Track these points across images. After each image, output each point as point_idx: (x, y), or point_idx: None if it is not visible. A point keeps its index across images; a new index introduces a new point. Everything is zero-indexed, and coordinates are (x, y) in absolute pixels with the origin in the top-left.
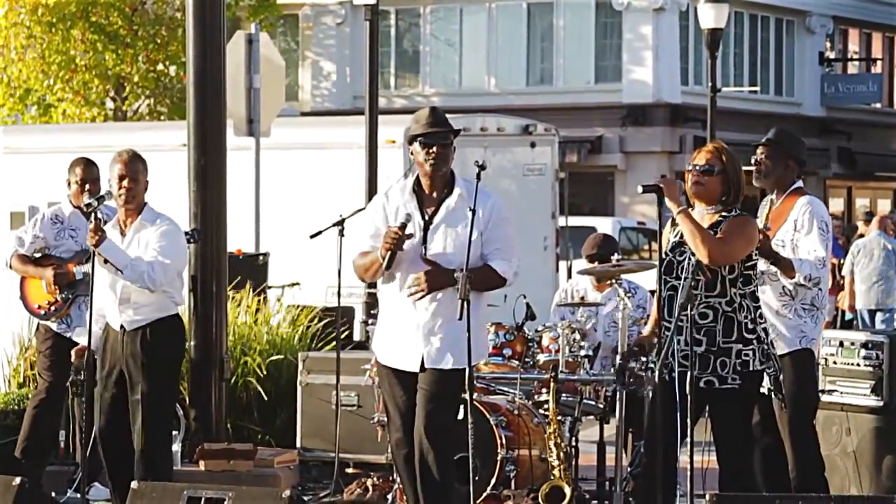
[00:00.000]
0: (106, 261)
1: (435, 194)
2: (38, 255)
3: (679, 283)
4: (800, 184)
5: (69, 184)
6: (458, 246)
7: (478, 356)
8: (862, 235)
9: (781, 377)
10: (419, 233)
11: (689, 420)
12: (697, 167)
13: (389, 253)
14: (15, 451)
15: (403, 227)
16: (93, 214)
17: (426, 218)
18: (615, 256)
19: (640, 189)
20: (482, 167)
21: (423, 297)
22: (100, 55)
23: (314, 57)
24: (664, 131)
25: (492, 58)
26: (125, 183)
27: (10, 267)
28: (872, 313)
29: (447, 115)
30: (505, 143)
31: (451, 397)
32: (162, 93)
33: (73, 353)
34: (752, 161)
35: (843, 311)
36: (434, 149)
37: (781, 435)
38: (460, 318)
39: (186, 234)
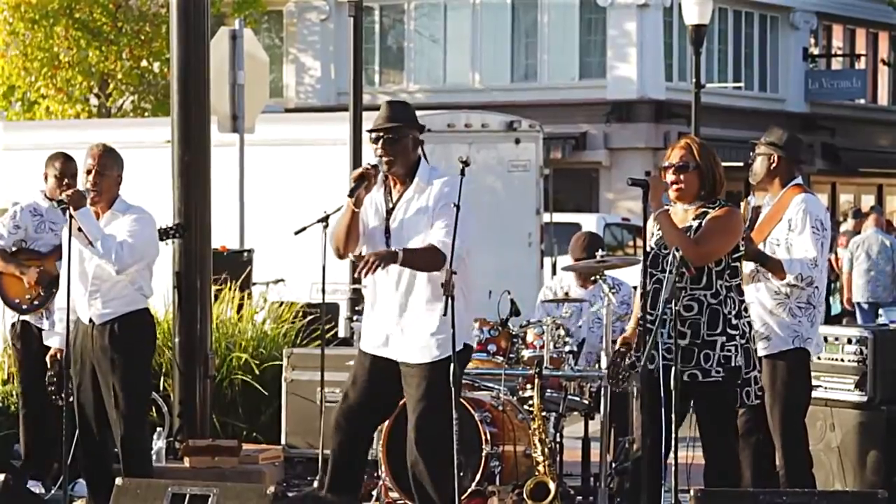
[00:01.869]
0: (80, 229)
1: (398, 185)
2: (13, 248)
3: (664, 276)
4: (798, 180)
5: (46, 177)
6: (416, 235)
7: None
8: (858, 232)
9: (759, 375)
10: (382, 223)
11: (674, 415)
12: (673, 165)
13: (355, 183)
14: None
15: (376, 167)
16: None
17: (389, 207)
18: (599, 253)
19: (628, 181)
20: (466, 163)
21: (371, 269)
22: (83, 52)
23: (298, 53)
24: (648, 127)
25: (476, 54)
26: (91, 177)
27: None
28: (871, 307)
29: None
30: (489, 139)
31: (433, 392)
32: (146, 89)
33: (47, 358)
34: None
35: (829, 307)
36: (378, 145)
37: (770, 431)
38: (444, 314)
39: (170, 228)
